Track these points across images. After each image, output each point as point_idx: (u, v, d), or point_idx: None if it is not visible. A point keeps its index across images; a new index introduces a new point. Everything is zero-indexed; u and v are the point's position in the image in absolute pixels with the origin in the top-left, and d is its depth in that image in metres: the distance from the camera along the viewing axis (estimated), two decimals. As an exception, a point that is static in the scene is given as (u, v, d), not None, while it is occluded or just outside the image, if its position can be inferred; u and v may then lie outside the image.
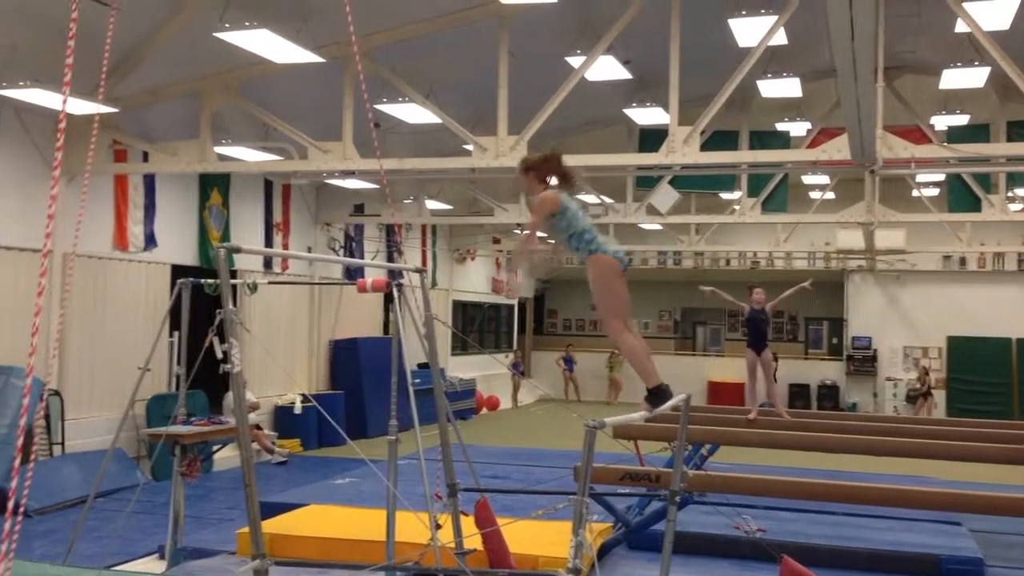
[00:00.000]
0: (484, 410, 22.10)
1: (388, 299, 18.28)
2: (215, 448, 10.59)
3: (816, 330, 27.13)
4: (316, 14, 8.98)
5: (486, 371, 22.50)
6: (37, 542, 8.60)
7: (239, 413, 4.06)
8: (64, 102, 3.77)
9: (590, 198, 16.74)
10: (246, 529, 7.08)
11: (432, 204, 17.56)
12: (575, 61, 10.24)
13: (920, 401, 22.51)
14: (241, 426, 4.10)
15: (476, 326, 24.43)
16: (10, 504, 3.75)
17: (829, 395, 24.08)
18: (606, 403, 24.54)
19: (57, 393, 10.99)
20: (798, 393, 24.27)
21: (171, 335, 11.60)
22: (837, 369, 24.54)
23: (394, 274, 6.78)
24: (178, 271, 12.34)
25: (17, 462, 3.65)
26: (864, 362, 23.83)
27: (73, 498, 10.23)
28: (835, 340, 26.08)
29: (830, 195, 18.11)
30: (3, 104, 10.08)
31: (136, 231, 12.47)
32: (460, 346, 22.13)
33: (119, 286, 12.26)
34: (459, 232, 22.18)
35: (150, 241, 12.70)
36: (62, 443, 11.12)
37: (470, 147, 10.45)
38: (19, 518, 3.54)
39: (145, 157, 11.69)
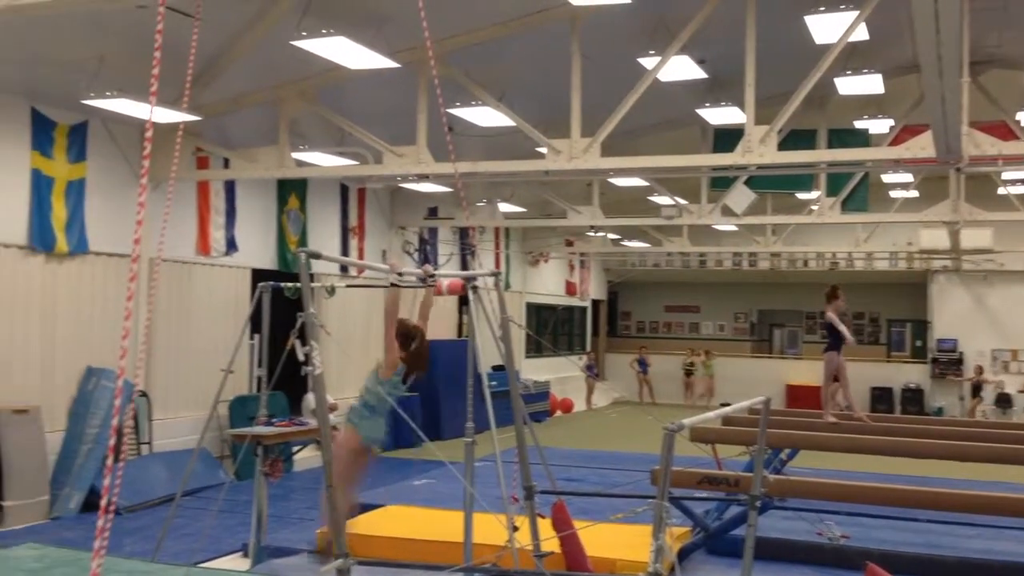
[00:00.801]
0: (558, 412, 22.07)
1: (463, 301, 18.41)
2: (295, 449, 10.79)
3: (899, 332, 26.44)
4: (390, 20, 9.08)
5: (560, 373, 22.48)
6: (127, 539, 8.86)
7: (321, 414, 4.13)
8: (151, 112, 3.88)
9: (663, 199, 16.61)
10: (327, 528, 7.20)
11: (505, 207, 17.61)
12: (648, 62, 10.16)
13: (971, 401, 21.93)
14: (323, 427, 4.17)
15: (549, 328, 24.43)
16: (102, 502, 3.87)
17: (913, 399, 23.46)
18: (686, 406, 24.40)
19: (145, 394, 11.32)
20: (880, 397, 23.69)
21: (252, 337, 11.85)
22: (921, 372, 23.89)
23: (469, 277, 6.82)
24: (258, 275, 12.61)
25: (109, 461, 3.75)
26: (949, 365, 23.15)
27: (160, 496, 10.52)
28: (919, 342, 25.39)
29: (913, 193, 17.65)
30: (91, 114, 10.43)
31: (218, 236, 12.77)
32: (534, 348, 22.15)
33: (201, 290, 12.58)
34: (532, 234, 22.21)
35: (231, 246, 12.99)
36: (149, 443, 11.45)
37: (543, 150, 10.45)
38: (110, 516, 3.65)
39: (226, 164, 11.98)
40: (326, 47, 8.56)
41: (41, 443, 9.97)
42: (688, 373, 25.61)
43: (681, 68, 10.39)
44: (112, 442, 3.92)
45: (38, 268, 10.20)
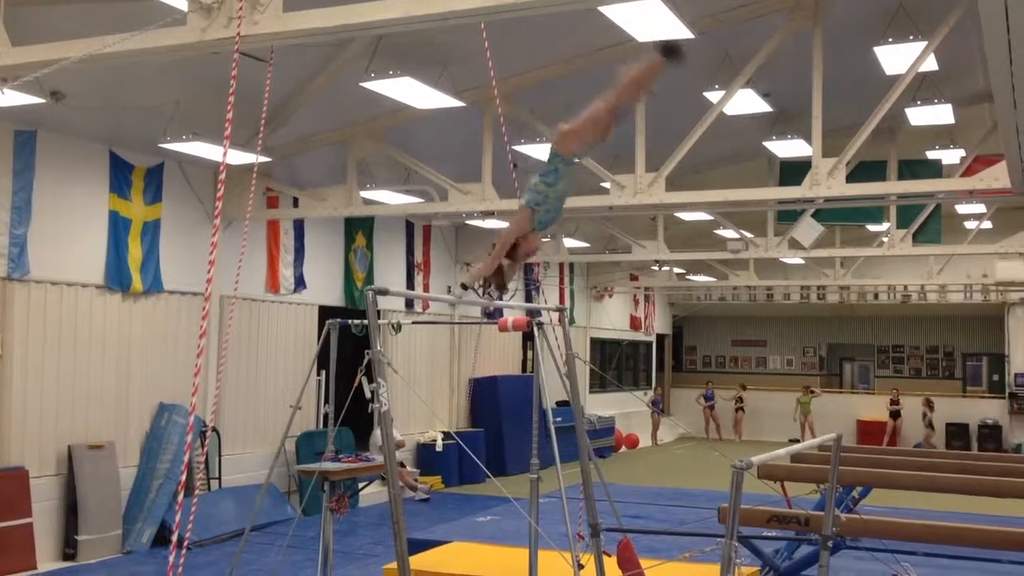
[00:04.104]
0: (623, 448, 21.86)
1: (527, 337, 18.40)
2: (362, 485, 10.84)
3: (975, 366, 25.71)
4: (455, 60, 9.21)
5: (624, 409, 22.29)
6: (197, 574, 8.97)
7: (387, 451, 4.15)
8: (224, 154, 3.99)
9: (729, 233, 16.45)
10: (393, 565, 7.20)
11: (570, 242, 17.63)
12: (713, 96, 10.14)
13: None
14: (389, 464, 4.18)
15: (614, 363, 24.28)
16: (174, 537, 3.94)
17: (991, 436, 22.71)
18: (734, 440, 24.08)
19: (215, 430, 11.52)
20: (955, 433, 23.02)
21: (319, 374, 12.01)
22: (999, 408, 23.14)
23: (533, 312, 6.82)
24: (325, 312, 12.79)
25: (180, 496, 3.83)
26: (1030, 400, 22.41)
27: (229, 531, 10.66)
28: (995, 377, 24.63)
29: (987, 224, 17.22)
30: (167, 156, 10.75)
31: (287, 274, 13.01)
32: (598, 384, 22.02)
33: (270, 327, 12.80)
34: (596, 269, 22.17)
35: (299, 283, 13.22)
36: (219, 478, 11.62)
37: (607, 185, 10.46)
38: (183, 551, 3.72)
39: (295, 203, 12.22)
40: (393, 88, 8.71)
41: (115, 478, 10.20)
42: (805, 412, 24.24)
43: (746, 102, 10.34)
44: (184, 477, 4.00)
45: (114, 307, 10.49)
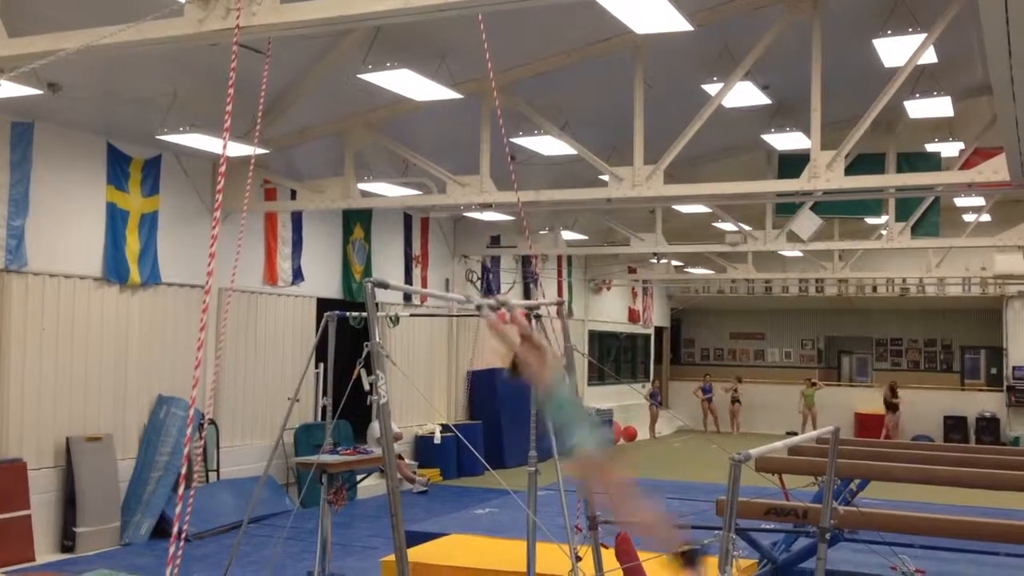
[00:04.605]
0: (621, 441, 21.88)
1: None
2: (360, 477, 10.86)
3: (972, 359, 25.74)
4: (453, 52, 9.19)
5: (623, 401, 22.31)
6: (195, 565, 8.98)
7: (386, 443, 4.15)
8: (224, 146, 3.98)
9: (727, 225, 16.46)
10: (391, 557, 7.22)
11: (568, 235, 17.63)
12: (711, 88, 10.12)
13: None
14: (388, 457, 4.18)
15: (612, 356, 24.29)
16: (174, 529, 3.95)
17: (988, 428, 22.76)
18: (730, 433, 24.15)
19: (213, 422, 11.52)
20: (953, 426, 23.06)
21: (317, 366, 12.01)
22: (997, 401, 23.18)
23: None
24: (323, 304, 12.78)
25: (180, 489, 3.83)
26: (1027, 393, 22.46)
27: (227, 523, 10.66)
28: (993, 370, 24.66)
29: (986, 217, 17.22)
30: (164, 148, 10.73)
31: (285, 266, 12.99)
32: (597, 376, 22.03)
33: (268, 319, 12.79)
34: (594, 262, 22.16)
35: (297, 275, 13.20)
36: (217, 470, 11.62)
37: (606, 177, 10.45)
38: (181, 543, 3.71)
39: (293, 195, 12.20)
40: (391, 80, 8.70)
41: (113, 470, 10.20)
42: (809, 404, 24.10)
43: (745, 94, 10.34)
44: (183, 470, 4.00)
45: (112, 299, 10.48)
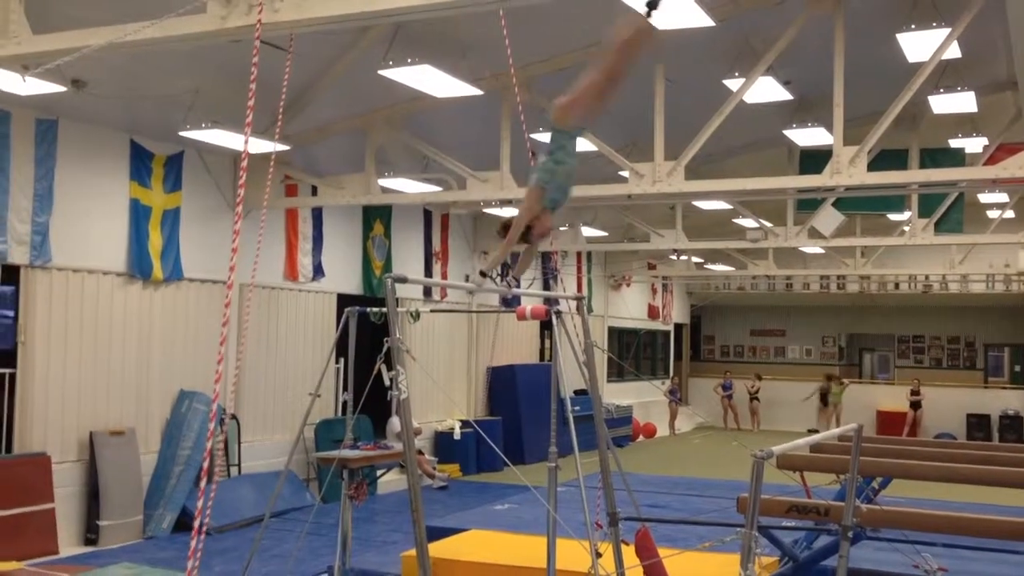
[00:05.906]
0: (641, 437, 21.85)
1: (545, 326, 18.40)
2: (380, 472, 10.88)
3: (996, 357, 25.53)
4: (474, 48, 9.19)
5: (642, 398, 22.28)
6: (216, 559, 9.05)
7: (407, 439, 4.16)
8: (245, 142, 3.99)
9: (748, 222, 16.38)
10: (411, 552, 7.24)
11: (588, 231, 17.59)
12: (733, 84, 10.07)
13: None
14: (408, 452, 4.19)
15: (632, 352, 24.25)
16: (195, 523, 3.97)
17: (1012, 426, 22.58)
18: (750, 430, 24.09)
19: (235, 417, 11.58)
20: (977, 424, 22.88)
21: (337, 362, 12.05)
22: (1021, 399, 22.99)
23: (551, 301, 6.81)
24: (343, 300, 12.82)
25: (202, 483, 3.85)
26: (1051, 391, 22.28)
27: (248, 517, 10.73)
28: (1018, 368, 24.45)
29: (1010, 214, 17.06)
30: (186, 145, 10.79)
31: (305, 262, 13.05)
32: (616, 373, 22.00)
33: (289, 315, 12.85)
34: (614, 258, 22.12)
35: (318, 271, 13.26)
36: (239, 465, 11.69)
37: (626, 173, 10.42)
38: (202, 537, 3.74)
39: (314, 191, 12.24)
40: (412, 76, 8.70)
41: (136, 464, 10.28)
42: (823, 399, 24.20)
43: (767, 89, 10.26)
44: (205, 464, 4.03)
45: (135, 294, 10.56)
